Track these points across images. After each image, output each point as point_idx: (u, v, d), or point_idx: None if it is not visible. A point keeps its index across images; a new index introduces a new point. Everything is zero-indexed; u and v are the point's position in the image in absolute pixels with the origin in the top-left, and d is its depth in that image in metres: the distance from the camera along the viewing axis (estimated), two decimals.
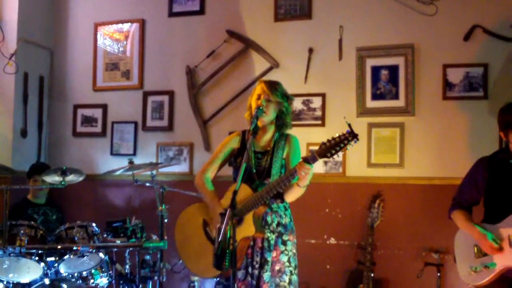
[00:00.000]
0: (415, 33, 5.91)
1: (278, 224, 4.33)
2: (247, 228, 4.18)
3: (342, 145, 3.87)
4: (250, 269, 4.26)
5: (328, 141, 3.91)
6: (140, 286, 5.44)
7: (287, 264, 4.30)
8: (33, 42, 7.08)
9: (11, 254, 4.91)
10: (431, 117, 5.83)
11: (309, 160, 3.96)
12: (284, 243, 4.33)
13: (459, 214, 4.59)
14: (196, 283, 6.09)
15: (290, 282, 4.29)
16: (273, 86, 4.41)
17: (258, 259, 4.26)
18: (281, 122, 4.44)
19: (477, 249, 4.40)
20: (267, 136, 4.44)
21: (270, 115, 4.35)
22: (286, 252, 4.32)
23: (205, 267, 4.19)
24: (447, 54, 5.81)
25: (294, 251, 4.38)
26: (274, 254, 4.28)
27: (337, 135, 3.89)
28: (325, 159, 3.97)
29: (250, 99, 4.48)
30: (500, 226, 4.31)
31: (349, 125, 3.85)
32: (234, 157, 4.51)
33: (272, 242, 4.29)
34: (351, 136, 3.85)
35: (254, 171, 4.35)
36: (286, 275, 4.29)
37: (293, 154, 4.42)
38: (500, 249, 4.24)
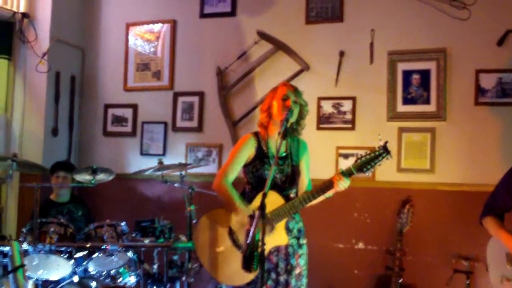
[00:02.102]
0: (447, 37, 5.87)
1: (297, 229, 4.34)
2: (280, 237, 4.18)
3: (376, 160, 4.00)
4: (273, 275, 4.23)
5: (363, 156, 4.02)
6: (168, 286, 5.44)
7: (304, 267, 4.33)
8: (65, 42, 7.14)
9: (41, 252, 4.96)
10: (463, 123, 5.77)
11: (347, 174, 4.03)
12: (301, 246, 4.33)
13: (491, 220, 4.55)
14: (223, 284, 6.08)
15: (306, 285, 4.33)
16: (297, 89, 4.37)
17: (283, 265, 4.25)
18: (297, 126, 4.38)
19: (509, 257, 4.36)
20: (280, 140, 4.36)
21: (294, 117, 4.30)
22: (303, 256, 4.33)
23: (233, 274, 4.14)
24: (480, 59, 5.75)
25: (307, 253, 4.39)
26: (295, 258, 4.28)
27: (371, 150, 4.02)
28: (360, 174, 4.04)
29: (268, 101, 4.36)
30: None
31: (385, 142, 4.01)
32: (250, 161, 4.36)
33: (295, 248, 4.29)
34: (385, 152, 4.00)
35: (279, 176, 4.31)
36: (304, 277, 4.31)
37: (306, 159, 4.43)
38: None
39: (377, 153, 3.99)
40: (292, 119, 4.26)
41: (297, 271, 4.26)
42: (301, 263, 4.30)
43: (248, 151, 4.39)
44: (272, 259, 4.24)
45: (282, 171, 4.32)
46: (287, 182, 4.32)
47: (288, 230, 4.26)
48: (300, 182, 4.39)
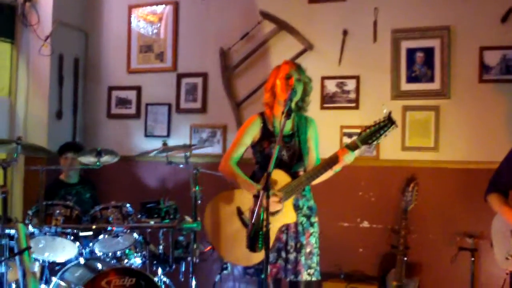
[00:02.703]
0: (451, 15, 5.82)
1: (308, 207, 4.34)
2: (288, 215, 4.19)
3: (382, 131, 3.92)
4: (283, 253, 4.25)
5: (368, 127, 3.94)
6: (173, 266, 5.47)
7: (315, 245, 4.32)
8: (68, 24, 7.13)
9: (47, 234, 4.98)
10: (467, 100, 5.75)
11: (352, 147, 3.99)
12: (312, 224, 4.33)
13: (495, 197, 4.56)
14: (229, 265, 6.11)
15: (317, 263, 4.32)
16: (300, 66, 4.38)
17: (292, 243, 4.26)
18: (302, 103, 4.39)
19: None
20: (290, 119, 4.35)
21: (298, 95, 4.30)
22: (314, 234, 4.33)
23: (242, 254, 4.09)
24: (484, 36, 5.71)
25: (319, 231, 4.39)
26: (306, 236, 4.29)
27: (375, 121, 3.92)
28: (365, 146, 4.00)
29: (272, 80, 4.38)
30: None
31: (389, 112, 3.90)
32: (257, 141, 4.41)
33: (305, 225, 4.29)
34: (390, 122, 3.89)
35: (286, 154, 4.32)
36: (315, 256, 4.31)
37: (315, 136, 4.42)
38: None
39: (382, 124, 3.91)
40: (296, 97, 4.27)
41: (307, 249, 4.26)
42: (312, 241, 4.30)
43: (253, 131, 4.42)
44: (282, 237, 4.26)
45: (289, 149, 4.33)
46: (294, 159, 4.32)
47: (297, 208, 4.27)
48: (308, 159, 4.37)
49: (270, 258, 4.19)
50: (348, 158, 4.01)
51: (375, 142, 3.97)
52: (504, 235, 4.48)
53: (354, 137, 4.02)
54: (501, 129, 5.59)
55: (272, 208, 3.99)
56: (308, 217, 4.32)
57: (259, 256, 3.93)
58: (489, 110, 5.67)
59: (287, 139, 4.34)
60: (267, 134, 4.36)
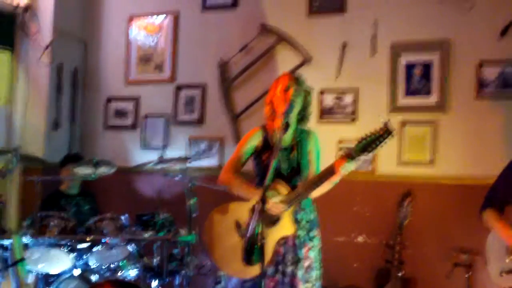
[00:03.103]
0: (450, 28, 5.84)
1: (307, 220, 4.32)
2: (286, 227, 4.17)
3: (378, 142, 3.83)
4: (281, 267, 4.24)
5: (364, 138, 3.86)
6: (168, 279, 5.46)
7: (315, 259, 4.30)
8: (67, 34, 7.14)
9: (42, 245, 4.98)
10: (465, 115, 5.75)
11: (348, 157, 3.93)
12: (311, 239, 4.31)
13: (490, 213, 4.55)
14: (222, 278, 6.10)
15: (317, 278, 4.29)
16: (299, 78, 4.38)
17: (290, 257, 4.25)
18: (303, 115, 4.38)
19: (509, 250, 4.36)
20: (289, 131, 4.35)
21: (298, 107, 4.30)
22: (314, 248, 4.30)
23: (240, 267, 4.06)
24: (483, 50, 5.72)
25: (320, 246, 4.37)
26: (304, 250, 4.27)
27: (372, 131, 3.85)
28: (363, 156, 3.94)
29: (272, 93, 4.37)
30: None
31: (387, 122, 3.82)
32: (258, 153, 4.43)
33: (302, 239, 4.27)
34: (387, 132, 3.81)
35: (285, 167, 4.32)
36: (314, 270, 4.28)
37: (315, 150, 4.41)
38: None
39: (379, 133, 3.81)
40: (296, 109, 4.28)
41: (306, 263, 4.25)
42: (311, 256, 4.28)
43: (253, 144, 4.44)
44: (280, 250, 4.24)
45: (288, 162, 4.33)
46: (293, 172, 4.31)
47: (296, 221, 4.24)
48: (308, 172, 4.35)
49: (268, 272, 4.21)
50: (345, 168, 3.94)
51: (372, 152, 3.89)
52: (499, 251, 4.47)
53: (351, 147, 3.95)
54: (497, 145, 5.58)
55: (273, 210, 4.02)
56: (308, 231, 4.31)
57: (256, 269, 3.87)
58: (487, 125, 5.66)
59: (286, 151, 4.34)
60: (267, 147, 4.36)
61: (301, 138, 4.38)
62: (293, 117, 4.31)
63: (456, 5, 5.80)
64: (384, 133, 3.82)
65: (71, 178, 6.17)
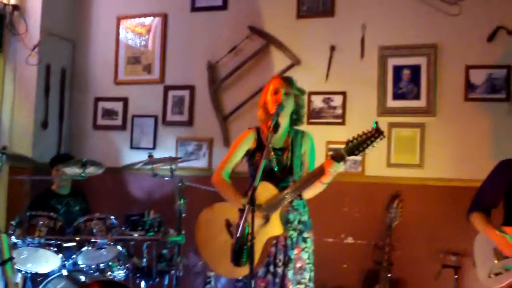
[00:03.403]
0: (438, 33, 5.87)
1: (299, 221, 4.32)
2: (274, 228, 4.17)
3: (369, 142, 3.85)
4: (272, 268, 4.25)
5: (355, 138, 3.88)
6: (157, 280, 5.45)
7: (308, 261, 4.30)
8: (56, 34, 7.11)
9: (30, 245, 4.95)
10: (452, 118, 5.79)
11: (338, 158, 3.94)
12: (305, 240, 4.31)
13: (478, 216, 4.56)
14: (212, 279, 6.10)
15: (310, 279, 4.29)
16: (289, 80, 4.41)
17: (281, 257, 4.25)
18: (297, 116, 4.41)
19: (497, 252, 4.38)
20: (281, 132, 4.35)
21: (289, 108, 4.33)
22: (307, 249, 4.30)
23: (231, 266, 3.97)
24: (470, 55, 5.76)
25: (313, 248, 4.37)
26: (296, 251, 4.27)
27: (363, 132, 3.88)
28: (352, 157, 3.96)
29: (264, 96, 4.41)
30: None
31: (376, 123, 3.85)
32: (251, 154, 4.44)
33: (294, 240, 4.28)
34: (378, 133, 3.83)
35: (276, 168, 4.33)
36: (307, 272, 4.28)
37: (310, 151, 4.41)
38: None
39: (369, 134, 3.84)
40: (287, 111, 4.31)
41: (297, 264, 4.25)
42: (303, 257, 4.28)
43: (246, 145, 4.46)
44: (271, 251, 4.25)
45: (280, 163, 4.33)
46: (285, 173, 4.32)
47: (288, 221, 4.26)
48: (302, 173, 4.36)
49: (259, 273, 4.23)
50: (334, 169, 3.96)
51: (361, 153, 3.91)
52: (487, 253, 4.48)
53: (341, 149, 3.94)
54: (485, 148, 5.63)
55: (256, 223, 4.00)
56: (300, 232, 4.31)
57: (246, 269, 3.89)
58: (474, 128, 5.71)
59: (279, 152, 4.36)
60: (261, 148, 4.36)
61: (295, 140, 4.39)
62: (284, 118, 4.32)
63: (444, 10, 5.85)
64: (374, 134, 3.85)
65: (59, 178, 6.14)
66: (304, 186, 4.14)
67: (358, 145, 3.87)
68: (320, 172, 4.04)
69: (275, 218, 4.18)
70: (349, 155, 3.91)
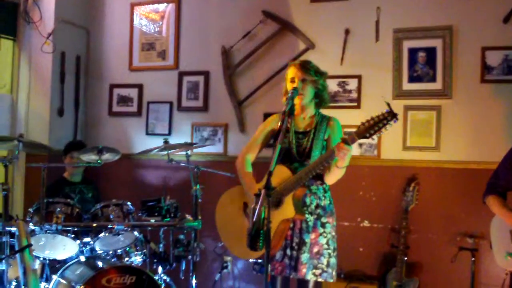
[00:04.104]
0: (453, 15, 5.82)
1: (317, 206, 4.33)
2: (287, 210, 4.19)
3: (381, 125, 3.82)
4: (288, 251, 4.28)
5: (367, 121, 3.87)
6: (174, 265, 5.48)
7: (326, 246, 4.30)
8: (70, 22, 7.13)
9: (48, 231, 4.98)
10: (469, 101, 5.75)
11: (348, 140, 3.94)
12: (323, 225, 4.32)
13: (493, 199, 4.55)
14: (229, 263, 6.13)
15: (328, 265, 4.29)
16: (305, 66, 4.40)
17: (297, 240, 4.28)
18: (319, 99, 4.43)
19: None
20: (308, 116, 4.42)
21: (308, 95, 4.35)
22: (325, 234, 4.31)
23: (247, 249, 4.10)
24: (486, 36, 5.70)
25: (333, 233, 4.38)
26: (312, 236, 4.29)
27: (376, 115, 3.85)
28: (364, 140, 3.94)
29: (285, 84, 4.46)
30: None
31: (388, 104, 3.82)
32: (274, 138, 4.45)
33: (311, 224, 4.29)
34: (390, 115, 3.80)
35: (295, 151, 4.35)
36: (325, 257, 4.29)
37: (334, 137, 4.39)
38: None
39: (380, 117, 3.81)
40: (307, 98, 4.37)
41: (314, 249, 4.27)
42: (321, 242, 4.29)
43: (269, 128, 4.57)
44: (289, 234, 4.29)
45: (300, 146, 4.38)
46: (303, 156, 4.35)
47: (304, 205, 4.29)
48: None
49: (276, 256, 4.29)
50: (344, 152, 3.96)
51: (374, 136, 3.87)
52: (503, 235, 4.48)
53: (352, 132, 3.94)
54: (502, 130, 5.59)
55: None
56: (319, 217, 4.32)
57: (261, 252, 3.93)
58: (491, 110, 5.66)
59: (301, 135, 4.41)
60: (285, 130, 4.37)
61: (318, 125, 4.41)
62: (307, 103, 4.39)
63: None
64: (387, 117, 3.82)
65: (77, 165, 6.18)
66: (316, 169, 4.13)
67: (369, 128, 3.85)
68: (330, 155, 4.05)
69: (288, 201, 4.20)
70: (360, 138, 3.90)
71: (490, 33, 5.69)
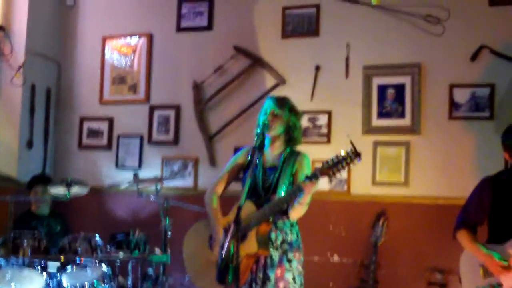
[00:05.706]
0: (422, 52, 5.91)
1: (283, 241, 4.30)
2: (250, 245, 4.17)
3: (344, 163, 3.89)
4: (254, 285, 4.25)
5: (331, 159, 3.92)
6: None
7: (292, 282, 4.26)
8: (41, 54, 7.11)
9: (14, 265, 4.91)
10: (437, 137, 5.81)
11: (312, 177, 3.97)
12: (289, 260, 4.29)
13: (464, 234, 4.56)
14: None
15: None
16: (280, 101, 4.42)
17: (261, 276, 4.24)
18: (288, 137, 4.42)
19: (483, 270, 4.37)
20: (277, 152, 4.41)
21: (276, 129, 4.34)
22: (291, 270, 4.28)
23: (211, 282, 4.17)
24: (454, 74, 5.80)
25: (300, 269, 4.35)
26: (278, 271, 4.25)
27: (341, 153, 3.90)
28: (329, 177, 3.98)
29: (258, 117, 4.46)
30: (507, 245, 4.29)
31: (352, 144, 3.88)
32: (244, 171, 4.48)
33: (276, 259, 4.26)
34: (354, 155, 3.88)
35: (260, 187, 4.34)
36: None
37: (301, 172, 4.35)
38: (508, 267, 4.22)
39: (345, 156, 3.89)
40: (275, 131, 4.35)
41: (280, 284, 4.22)
42: (287, 277, 4.25)
43: (237, 161, 4.56)
44: (254, 269, 4.26)
45: (267, 182, 4.36)
46: (269, 192, 4.33)
47: (270, 241, 4.26)
48: None
49: None
50: (309, 188, 3.99)
51: (337, 174, 3.94)
52: (473, 270, 4.48)
53: (315, 169, 4.00)
54: (470, 166, 5.65)
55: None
56: (285, 252, 4.29)
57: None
58: (459, 147, 5.73)
59: (269, 171, 4.38)
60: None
61: (287, 160, 4.38)
62: (276, 138, 4.39)
63: (427, 29, 5.88)
64: (351, 155, 3.90)
65: (44, 199, 6.11)
66: (280, 205, 4.15)
67: (333, 166, 3.91)
68: (295, 192, 4.07)
69: (252, 235, 4.19)
70: (323, 175, 3.95)
71: (458, 70, 5.79)
